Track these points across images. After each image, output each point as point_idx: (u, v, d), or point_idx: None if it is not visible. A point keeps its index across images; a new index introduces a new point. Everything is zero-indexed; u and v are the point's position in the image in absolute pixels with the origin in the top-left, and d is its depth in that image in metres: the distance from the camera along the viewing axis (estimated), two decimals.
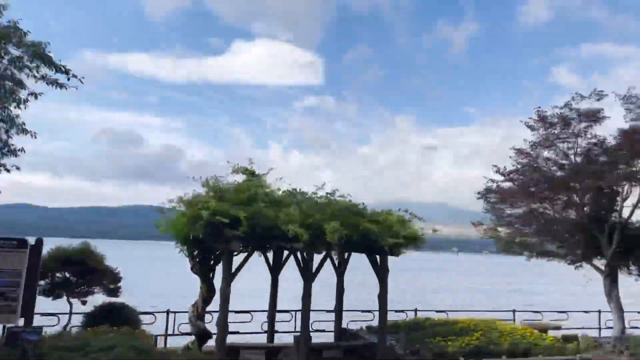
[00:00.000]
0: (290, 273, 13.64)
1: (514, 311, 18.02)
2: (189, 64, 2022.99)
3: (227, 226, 10.35)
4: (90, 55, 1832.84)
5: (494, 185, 16.98)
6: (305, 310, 11.54)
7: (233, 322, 12.56)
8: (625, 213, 15.50)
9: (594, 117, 15.53)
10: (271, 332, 13.65)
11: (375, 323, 13.67)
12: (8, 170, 11.09)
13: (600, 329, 18.31)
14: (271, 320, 13.69)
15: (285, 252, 13.09)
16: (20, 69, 10.39)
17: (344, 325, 14.38)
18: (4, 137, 10.89)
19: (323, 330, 15.08)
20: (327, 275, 12.98)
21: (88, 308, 11.82)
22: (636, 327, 18.11)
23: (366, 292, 21.85)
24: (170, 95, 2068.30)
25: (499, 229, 17.66)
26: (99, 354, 8.50)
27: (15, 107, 10.66)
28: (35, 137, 11.01)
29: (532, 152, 16.46)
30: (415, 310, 17.11)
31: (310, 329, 12.37)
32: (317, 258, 12.00)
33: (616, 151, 15.24)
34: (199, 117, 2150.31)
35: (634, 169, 15.11)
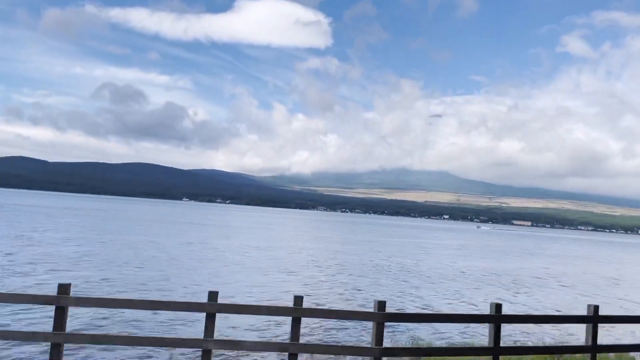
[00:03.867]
0: None
1: None
2: (192, 21, 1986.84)
3: None
4: (92, 9, 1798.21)
5: None
6: None
7: None
8: None
9: None
10: None
11: None
12: None
13: None
14: None
15: None
16: None
17: None
18: None
19: None
20: None
21: None
22: None
23: None
24: (173, 53, 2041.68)
25: None
26: None
27: None
28: None
29: None
30: None
31: None
32: None
33: None
34: (202, 75, 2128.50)
35: None
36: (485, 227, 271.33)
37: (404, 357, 9.25)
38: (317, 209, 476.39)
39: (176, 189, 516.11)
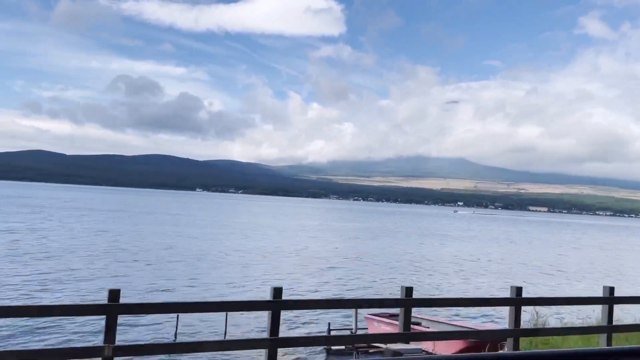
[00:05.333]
0: None
1: None
2: (205, 12, 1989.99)
3: None
4: (104, 1, 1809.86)
5: None
6: None
7: None
8: None
9: None
10: None
11: None
12: None
13: None
14: None
15: None
16: None
17: None
18: None
19: None
20: None
21: None
22: None
23: None
24: (187, 44, 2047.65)
25: None
26: None
27: None
28: None
29: None
30: None
31: None
32: None
33: None
34: (216, 66, 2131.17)
35: None
36: (463, 211, 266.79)
37: None
38: (329, 198, 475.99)
39: (190, 179, 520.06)
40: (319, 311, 17.45)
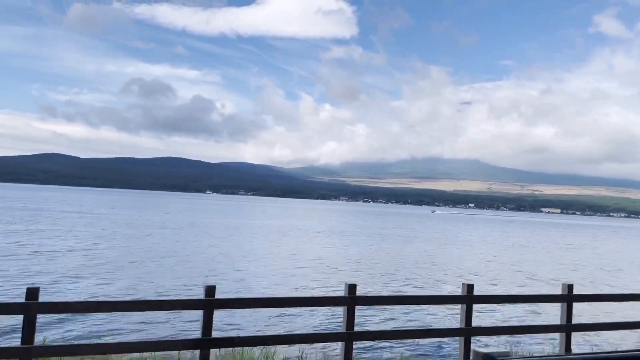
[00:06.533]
0: None
1: None
2: (217, 15, 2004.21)
3: None
4: (118, 5, 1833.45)
5: None
6: None
7: None
8: None
9: None
10: None
11: None
12: None
13: None
14: None
15: None
16: None
17: None
18: None
19: None
20: None
21: None
22: None
23: None
24: (200, 47, 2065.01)
25: None
26: None
27: None
28: None
29: None
30: None
31: None
32: None
33: None
34: (228, 68, 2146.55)
35: None
36: (440, 211, 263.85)
37: None
38: (339, 200, 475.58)
39: (201, 181, 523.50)
40: None
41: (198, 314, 7.15)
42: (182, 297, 18.52)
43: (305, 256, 35.35)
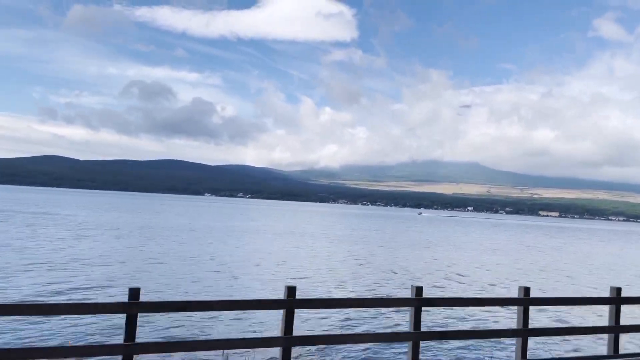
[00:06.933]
0: None
1: None
2: (217, 18, 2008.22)
3: None
4: (119, 7, 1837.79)
5: None
6: None
7: None
8: None
9: None
10: None
11: None
12: None
13: None
14: None
15: None
16: None
17: None
18: None
19: None
20: None
21: None
22: None
23: None
24: (200, 49, 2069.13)
25: None
26: None
27: None
28: None
29: None
30: None
31: None
32: None
33: None
34: (229, 71, 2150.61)
35: None
36: (427, 213, 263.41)
37: None
38: (337, 202, 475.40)
39: (200, 184, 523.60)
40: None
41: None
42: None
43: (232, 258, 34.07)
